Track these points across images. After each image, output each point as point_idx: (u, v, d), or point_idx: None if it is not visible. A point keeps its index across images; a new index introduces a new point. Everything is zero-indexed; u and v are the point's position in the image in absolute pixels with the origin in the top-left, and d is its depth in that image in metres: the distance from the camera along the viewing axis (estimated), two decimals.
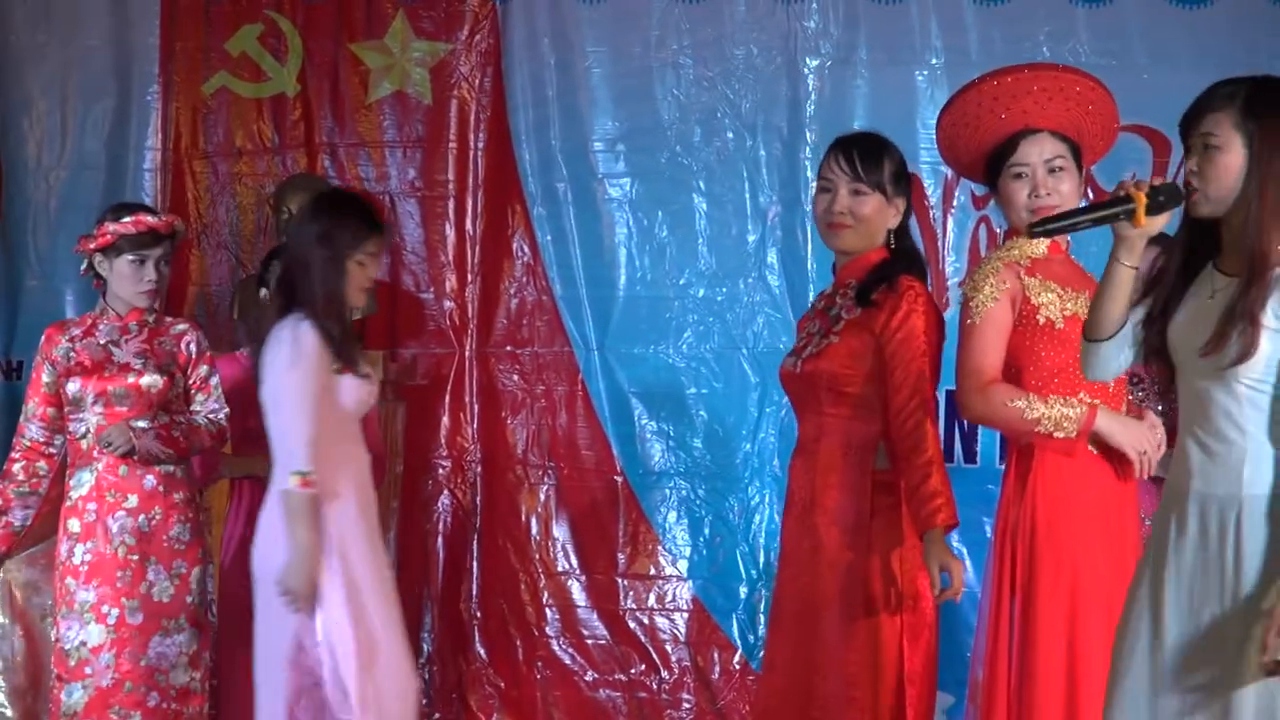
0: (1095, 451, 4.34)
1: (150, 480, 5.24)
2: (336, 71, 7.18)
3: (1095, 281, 4.17)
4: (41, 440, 5.25)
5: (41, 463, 5.26)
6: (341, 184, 7.07)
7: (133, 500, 5.22)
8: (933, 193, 6.94)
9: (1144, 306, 3.82)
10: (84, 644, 5.22)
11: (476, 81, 7.12)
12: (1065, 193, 4.47)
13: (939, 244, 6.98)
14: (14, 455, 5.28)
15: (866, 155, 4.56)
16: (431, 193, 7.15)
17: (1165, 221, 3.80)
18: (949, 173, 6.81)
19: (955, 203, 7.02)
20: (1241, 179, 3.62)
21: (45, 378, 5.31)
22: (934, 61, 6.92)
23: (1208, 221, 3.69)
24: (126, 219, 5.35)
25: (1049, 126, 4.50)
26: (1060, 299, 4.40)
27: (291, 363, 4.87)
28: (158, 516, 5.24)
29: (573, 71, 7.04)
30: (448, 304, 7.14)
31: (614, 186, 6.84)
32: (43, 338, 5.46)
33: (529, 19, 7.07)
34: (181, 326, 5.37)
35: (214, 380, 5.37)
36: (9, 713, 5.52)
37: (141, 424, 5.10)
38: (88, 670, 5.18)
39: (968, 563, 6.10)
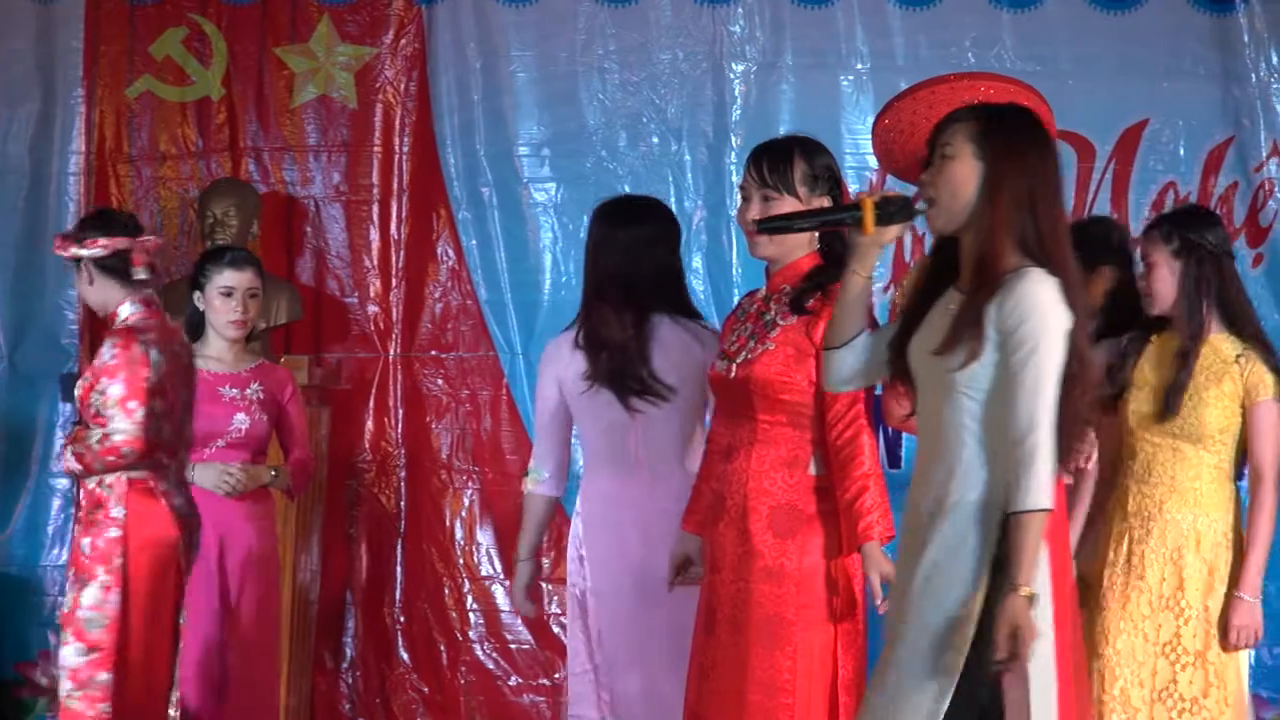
0: None
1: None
2: (261, 75, 7.16)
3: None
4: None
5: None
6: (266, 188, 7.10)
7: None
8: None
9: (893, 326, 3.91)
10: None
11: (401, 86, 7.12)
12: None
13: None
14: None
15: (774, 160, 4.53)
16: (356, 197, 7.16)
17: (898, 232, 3.89)
18: (874, 177, 6.83)
19: None
20: (975, 192, 3.68)
21: None
22: (859, 66, 6.97)
23: (953, 244, 3.76)
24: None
25: None
26: None
27: None
28: None
29: (498, 76, 7.05)
30: (372, 308, 7.10)
31: (539, 191, 6.85)
32: None
33: (454, 23, 7.06)
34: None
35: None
36: None
37: None
38: None
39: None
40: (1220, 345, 4.86)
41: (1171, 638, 4.83)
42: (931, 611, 3.66)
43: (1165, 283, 4.90)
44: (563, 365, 4.99)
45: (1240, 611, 4.83)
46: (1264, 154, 7.01)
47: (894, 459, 6.81)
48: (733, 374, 4.42)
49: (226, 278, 5.58)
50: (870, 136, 4.44)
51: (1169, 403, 4.87)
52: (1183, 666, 4.84)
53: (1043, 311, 3.60)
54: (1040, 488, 3.55)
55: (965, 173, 3.71)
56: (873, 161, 6.45)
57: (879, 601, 4.27)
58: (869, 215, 3.80)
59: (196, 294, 5.72)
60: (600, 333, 4.93)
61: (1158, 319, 4.94)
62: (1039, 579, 3.62)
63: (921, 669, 3.68)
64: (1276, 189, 7.06)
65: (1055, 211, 3.79)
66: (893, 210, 3.83)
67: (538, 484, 5.17)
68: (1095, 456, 4.77)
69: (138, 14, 7.13)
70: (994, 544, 3.65)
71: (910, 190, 4.48)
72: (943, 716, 3.65)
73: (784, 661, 4.33)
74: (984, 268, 3.65)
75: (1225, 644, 4.85)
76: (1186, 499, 4.87)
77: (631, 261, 4.94)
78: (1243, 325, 4.95)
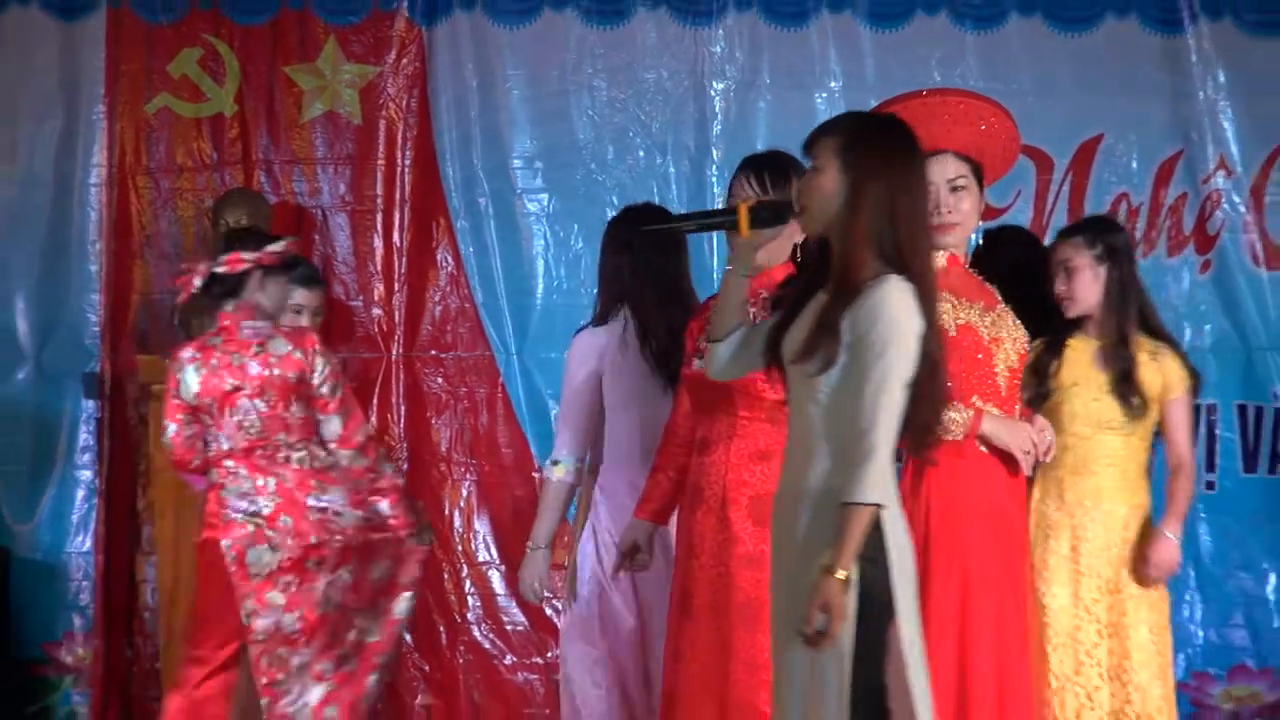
0: (985, 451, 4.41)
1: None
2: (271, 92, 7.21)
3: (991, 293, 4.53)
4: None
5: None
6: (276, 198, 7.12)
7: None
8: None
9: (773, 319, 4.00)
10: None
11: (403, 102, 7.16)
12: (965, 210, 4.56)
13: None
14: None
15: (775, 175, 4.62)
16: (361, 207, 7.20)
17: (773, 236, 4.04)
18: None
19: None
20: (838, 201, 3.76)
21: None
22: (833, 85, 7.03)
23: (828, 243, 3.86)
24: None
25: (953, 149, 4.57)
26: (954, 308, 4.44)
27: None
28: None
29: (494, 93, 7.11)
30: (376, 311, 7.21)
31: (532, 201, 6.90)
32: None
33: (453, 44, 7.12)
34: None
35: None
36: None
37: None
38: None
39: None
40: (1142, 344, 5.05)
41: (1119, 618, 5.03)
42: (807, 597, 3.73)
43: (1088, 287, 5.04)
44: (605, 357, 5.10)
45: (1163, 548, 5.02)
46: (1211, 167, 7.04)
47: None
48: None
49: (299, 296, 5.68)
50: None
51: (1128, 402, 5.05)
52: (1134, 644, 5.03)
53: (893, 316, 3.66)
54: (871, 484, 3.60)
55: (831, 184, 3.74)
56: None
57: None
58: (744, 220, 3.94)
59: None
60: (655, 324, 5.05)
61: (1068, 322, 5.10)
62: (901, 563, 3.71)
63: (810, 654, 3.75)
64: (1223, 200, 7.07)
65: (916, 221, 3.84)
66: (765, 216, 3.95)
67: (565, 472, 5.25)
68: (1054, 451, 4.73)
69: (155, 34, 7.17)
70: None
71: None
72: (849, 691, 3.72)
73: (764, 641, 4.33)
74: (844, 275, 3.73)
75: (1144, 578, 5.03)
76: (1121, 488, 5.06)
77: (674, 261, 5.14)
78: (1156, 325, 5.15)
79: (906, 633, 3.74)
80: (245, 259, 5.38)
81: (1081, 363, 5.05)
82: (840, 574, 3.59)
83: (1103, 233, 5.15)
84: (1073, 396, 5.03)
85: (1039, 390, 5.01)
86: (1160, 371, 5.06)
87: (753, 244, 4.00)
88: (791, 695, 3.83)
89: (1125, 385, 5.04)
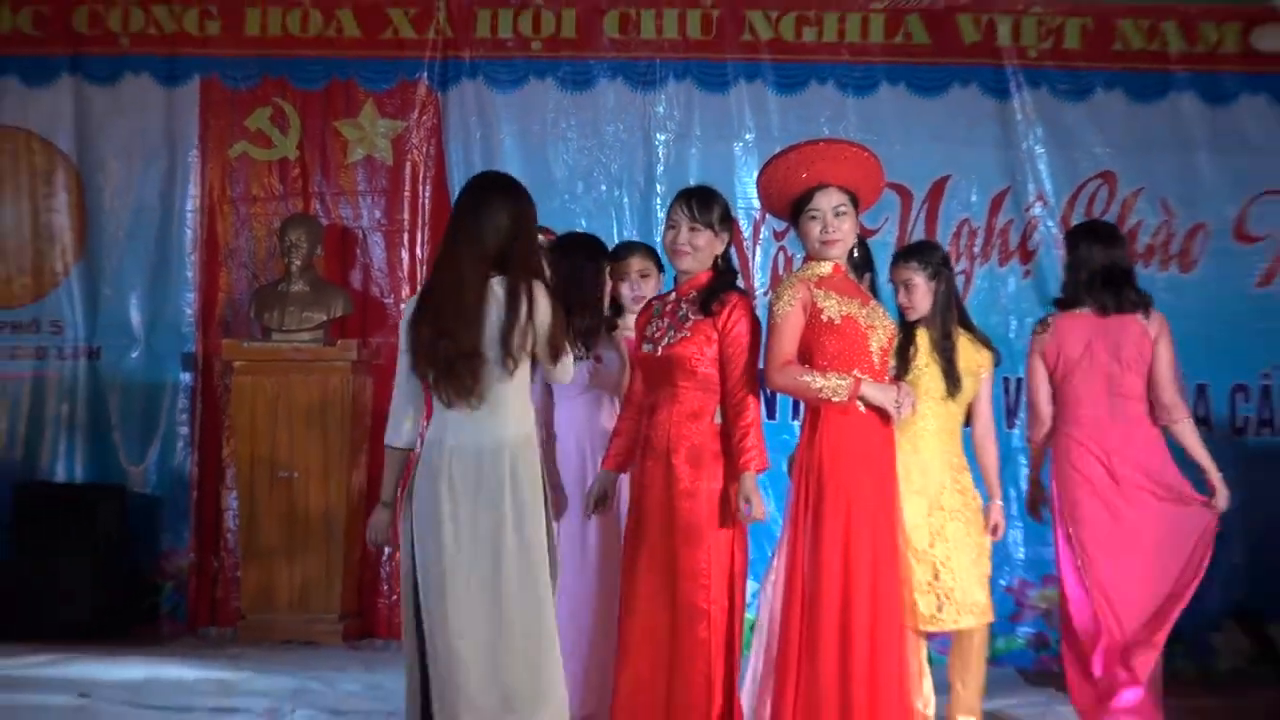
0: (864, 409, 4.67)
1: None
2: (324, 141, 7.73)
3: (863, 292, 4.81)
4: None
5: None
6: (327, 221, 7.62)
7: None
8: (746, 230, 7.46)
9: None
10: None
11: (424, 149, 7.68)
12: (845, 230, 4.73)
13: (750, 265, 7.49)
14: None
15: (702, 202, 4.79)
16: (391, 228, 7.72)
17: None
18: (757, 215, 7.33)
19: (761, 237, 7.53)
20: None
21: None
22: (747, 137, 7.52)
23: None
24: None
25: (836, 183, 4.72)
26: (838, 304, 4.67)
27: None
28: None
29: (491, 142, 7.62)
30: (402, 306, 6.87)
31: None
32: None
33: (461, 106, 7.64)
34: None
35: None
36: None
37: None
38: None
39: (770, 492, 6.34)
40: (962, 337, 5.37)
41: (942, 527, 5.32)
42: None
43: (924, 299, 5.34)
44: None
45: (997, 512, 5.47)
46: (1031, 199, 7.47)
47: (770, 412, 7.25)
48: (659, 354, 4.70)
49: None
50: (755, 186, 5.00)
51: (957, 382, 5.32)
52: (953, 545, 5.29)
53: None
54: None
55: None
56: (756, 204, 6.73)
57: (744, 516, 4.61)
58: None
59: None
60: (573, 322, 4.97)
61: (911, 323, 5.36)
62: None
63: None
64: (1039, 224, 7.48)
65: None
66: None
67: None
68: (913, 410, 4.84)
69: (236, 97, 7.75)
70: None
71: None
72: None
73: (701, 556, 4.63)
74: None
75: (995, 536, 5.43)
76: (956, 444, 5.40)
77: (591, 279, 5.27)
78: (969, 323, 5.48)
79: None
80: None
81: (926, 349, 5.30)
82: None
83: (930, 255, 5.39)
84: (926, 375, 5.29)
85: (902, 367, 5.23)
86: (974, 359, 5.36)
87: None
88: None
89: (949, 368, 5.30)
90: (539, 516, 4.40)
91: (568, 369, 4.52)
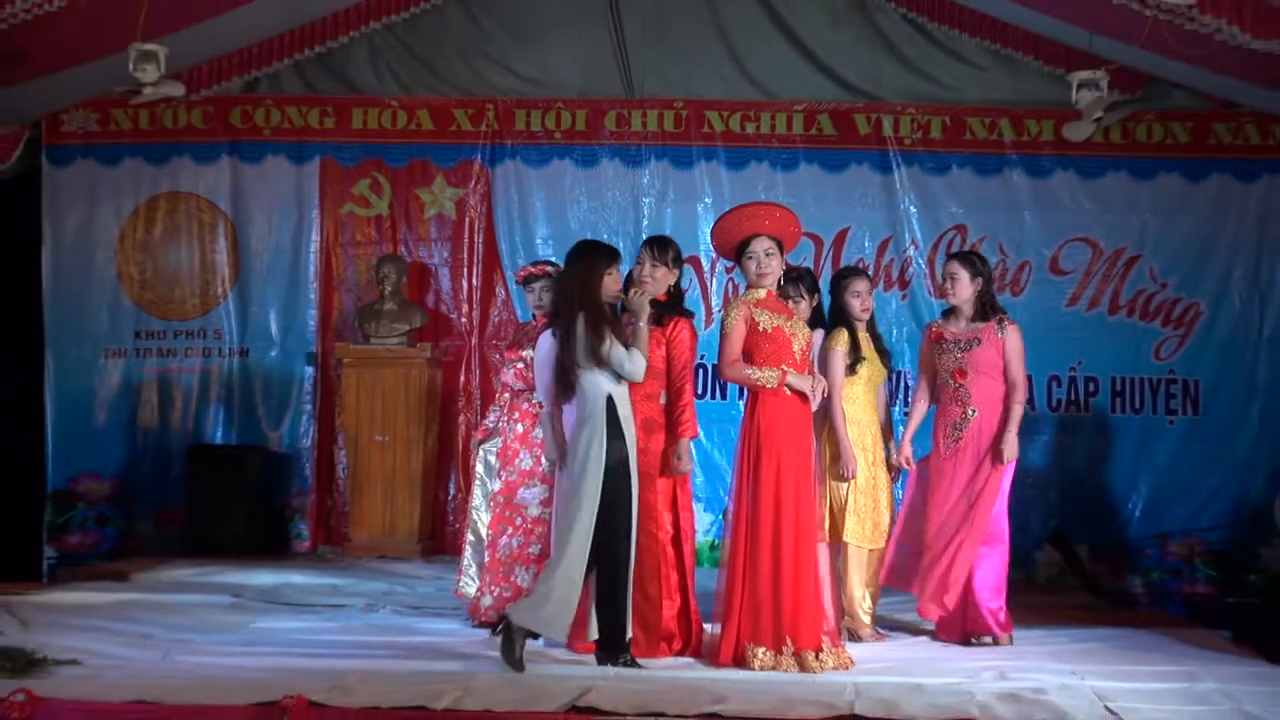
0: (789, 393, 5.12)
1: None
2: (409, 203, 8.57)
3: (789, 309, 5.25)
4: None
5: None
6: (410, 259, 8.41)
7: None
8: (706, 266, 8.31)
9: None
10: None
11: (479, 209, 8.52)
12: (774, 267, 5.17)
13: (709, 291, 8.31)
14: None
15: (660, 246, 5.37)
16: (454, 264, 8.58)
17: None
18: (714, 255, 8.04)
19: (716, 271, 8.33)
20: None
21: None
22: (707, 200, 8.43)
23: None
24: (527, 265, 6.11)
25: (767, 233, 5.17)
26: (770, 318, 5.17)
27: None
28: None
29: (526, 204, 8.50)
30: (463, 320, 8.43)
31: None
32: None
33: (505, 179, 8.52)
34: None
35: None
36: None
37: None
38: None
39: (721, 452, 7.67)
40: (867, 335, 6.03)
41: (876, 474, 5.85)
42: None
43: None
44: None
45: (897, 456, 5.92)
46: (907, 244, 8.32)
47: (723, 394, 8.09)
48: None
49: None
50: (710, 236, 5.52)
51: (888, 367, 5.95)
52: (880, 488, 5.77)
53: None
54: None
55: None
56: (710, 251, 7.56)
57: (678, 469, 5.17)
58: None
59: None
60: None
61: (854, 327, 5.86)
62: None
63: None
64: (913, 263, 8.29)
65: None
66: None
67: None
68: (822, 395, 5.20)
69: (345, 172, 8.62)
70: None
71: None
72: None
73: (652, 496, 5.21)
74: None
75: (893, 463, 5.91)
76: (868, 409, 5.88)
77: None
78: (876, 330, 6.07)
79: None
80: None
81: (865, 346, 5.87)
82: None
83: (868, 276, 6.07)
84: (869, 364, 5.84)
85: (855, 358, 5.67)
86: (878, 354, 6.02)
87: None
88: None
89: (886, 360, 5.98)
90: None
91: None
